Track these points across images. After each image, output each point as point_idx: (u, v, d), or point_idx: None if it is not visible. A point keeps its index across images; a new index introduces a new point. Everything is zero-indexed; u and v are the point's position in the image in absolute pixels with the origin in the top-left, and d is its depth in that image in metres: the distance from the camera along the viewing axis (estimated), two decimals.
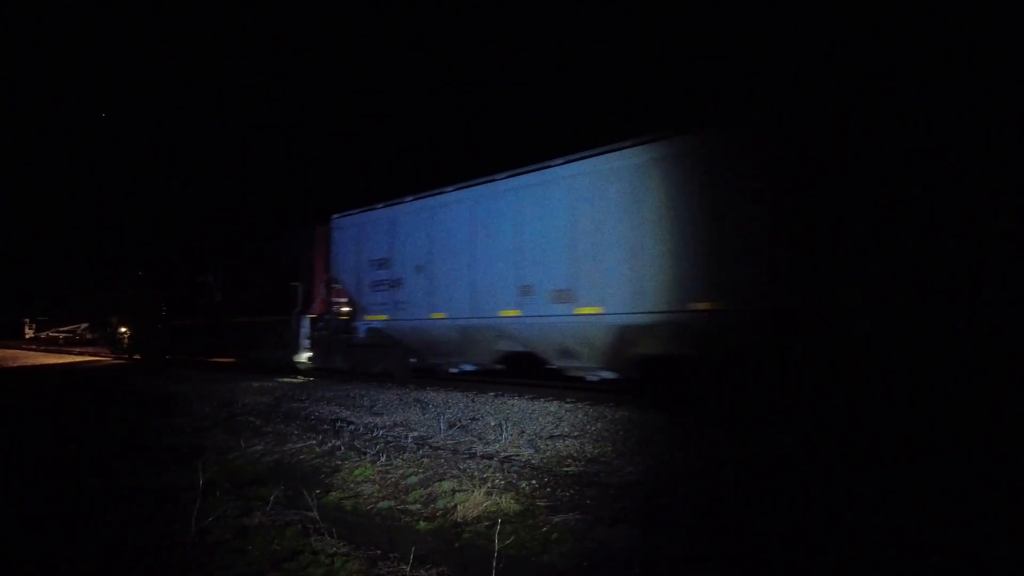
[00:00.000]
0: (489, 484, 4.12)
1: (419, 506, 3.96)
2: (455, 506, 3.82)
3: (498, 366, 9.46)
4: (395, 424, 6.72)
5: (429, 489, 4.18)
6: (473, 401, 8.14)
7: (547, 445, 5.37)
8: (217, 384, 11.19)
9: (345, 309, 12.24)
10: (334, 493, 4.31)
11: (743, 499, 3.73)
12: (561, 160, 8.12)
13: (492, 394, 8.76)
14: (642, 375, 7.45)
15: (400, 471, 4.63)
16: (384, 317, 10.51)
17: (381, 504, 4.05)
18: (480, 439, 5.75)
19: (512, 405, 7.65)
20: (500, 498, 3.83)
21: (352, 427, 6.57)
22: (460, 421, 6.71)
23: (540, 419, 6.65)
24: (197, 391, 9.86)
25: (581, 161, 7.85)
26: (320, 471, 4.90)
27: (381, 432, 6.23)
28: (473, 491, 3.94)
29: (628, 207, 7.22)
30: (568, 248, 7.79)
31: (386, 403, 8.34)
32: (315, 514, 3.54)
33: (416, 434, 6.07)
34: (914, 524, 3.18)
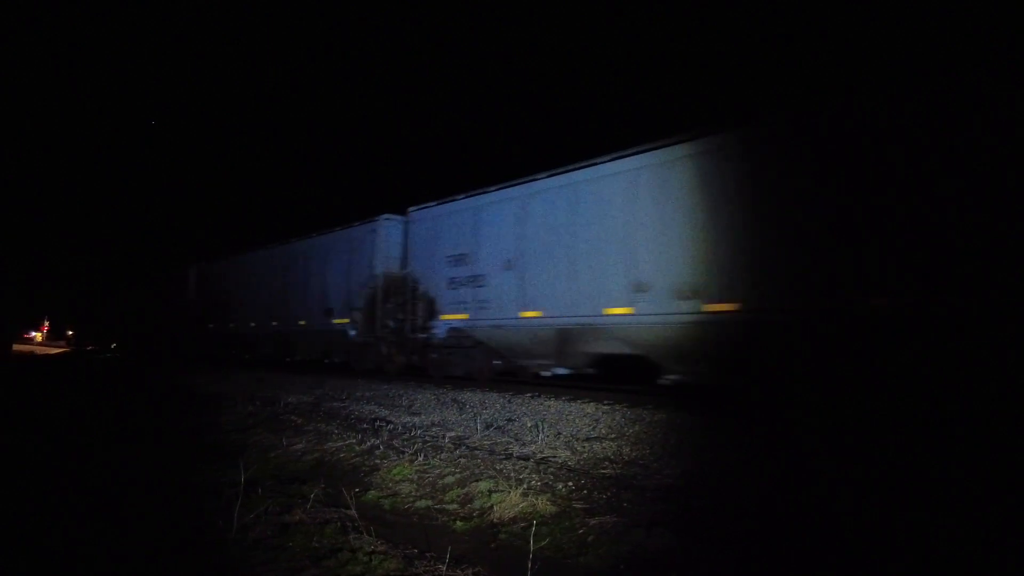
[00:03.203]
0: (525, 485, 4.10)
1: (456, 506, 3.98)
2: (491, 507, 3.82)
3: None
4: (433, 424, 6.77)
5: (466, 489, 4.19)
6: (510, 402, 8.14)
7: (584, 447, 5.32)
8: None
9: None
10: (373, 492, 4.36)
11: (782, 503, 3.62)
12: None
13: (529, 395, 8.74)
14: None
15: (437, 471, 4.66)
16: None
17: (418, 503, 4.08)
18: (517, 440, 5.74)
19: (548, 406, 7.62)
20: (536, 499, 3.81)
21: (391, 426, 6.65)
22: (497, 422, 6.72)
23: (577, 421, 6.60)
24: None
25: None
26: (359, 469, 4.97)
27: (419, 432, 6.28)
28: (509, 492, 3.93)
29: None
30: None
31: (424, 403, 8.42)
32: (354, 512, 3.59)
33: (453, 434, 6.10)
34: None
